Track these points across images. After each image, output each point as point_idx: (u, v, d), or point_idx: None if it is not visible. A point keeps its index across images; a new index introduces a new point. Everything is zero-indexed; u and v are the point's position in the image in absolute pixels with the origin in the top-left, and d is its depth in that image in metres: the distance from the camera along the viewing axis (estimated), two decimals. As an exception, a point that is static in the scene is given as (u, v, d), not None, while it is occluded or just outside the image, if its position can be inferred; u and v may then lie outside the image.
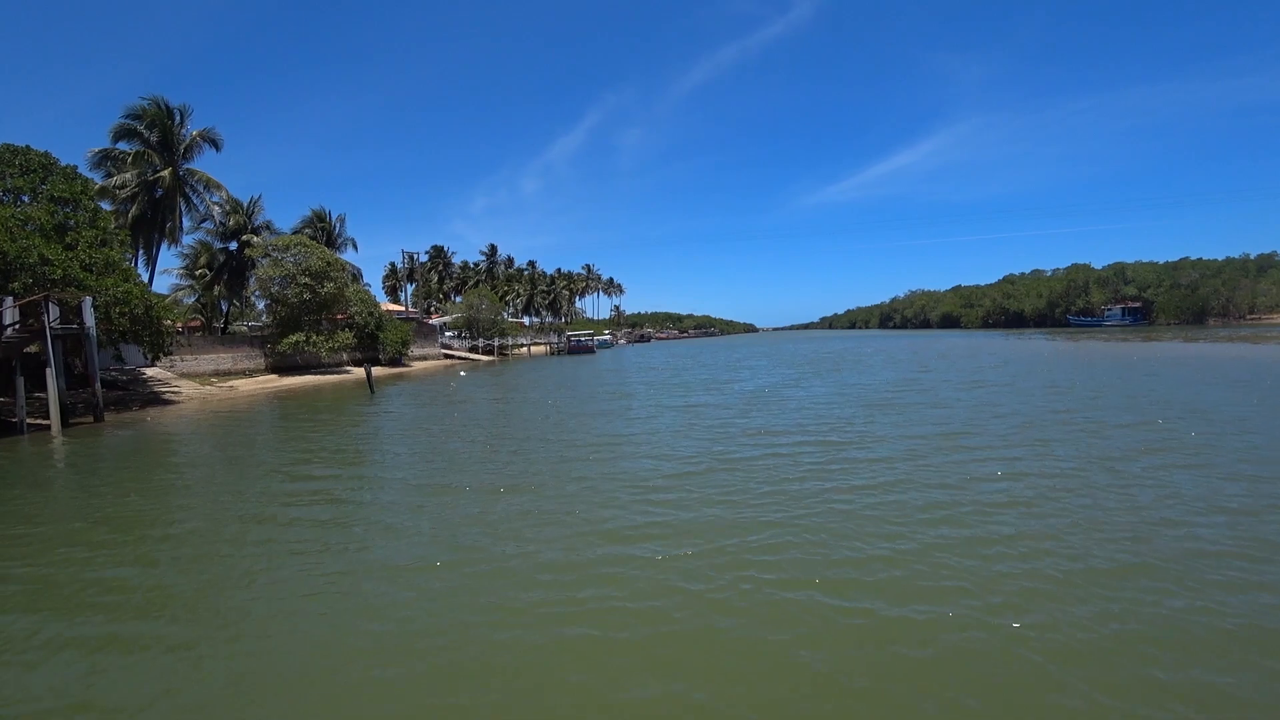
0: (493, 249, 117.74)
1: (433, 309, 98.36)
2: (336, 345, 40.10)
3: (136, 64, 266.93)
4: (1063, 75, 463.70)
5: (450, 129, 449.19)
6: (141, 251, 39.28)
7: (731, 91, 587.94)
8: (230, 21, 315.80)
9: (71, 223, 23.35)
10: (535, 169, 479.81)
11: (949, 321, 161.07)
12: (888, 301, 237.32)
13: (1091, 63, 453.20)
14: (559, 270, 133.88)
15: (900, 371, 30.89)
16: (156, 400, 26.28)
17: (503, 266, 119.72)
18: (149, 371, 31.12)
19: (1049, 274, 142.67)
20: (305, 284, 38.52)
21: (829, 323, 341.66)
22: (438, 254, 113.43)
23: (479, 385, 33.10)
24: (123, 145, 37.69)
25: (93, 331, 19.72)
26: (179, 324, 48.72)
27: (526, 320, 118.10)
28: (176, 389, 29.11)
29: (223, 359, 36.60)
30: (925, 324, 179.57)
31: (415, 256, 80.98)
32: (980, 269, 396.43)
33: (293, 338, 38.08)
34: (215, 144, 39.34)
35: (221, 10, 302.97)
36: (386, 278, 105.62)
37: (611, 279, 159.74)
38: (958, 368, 31.66)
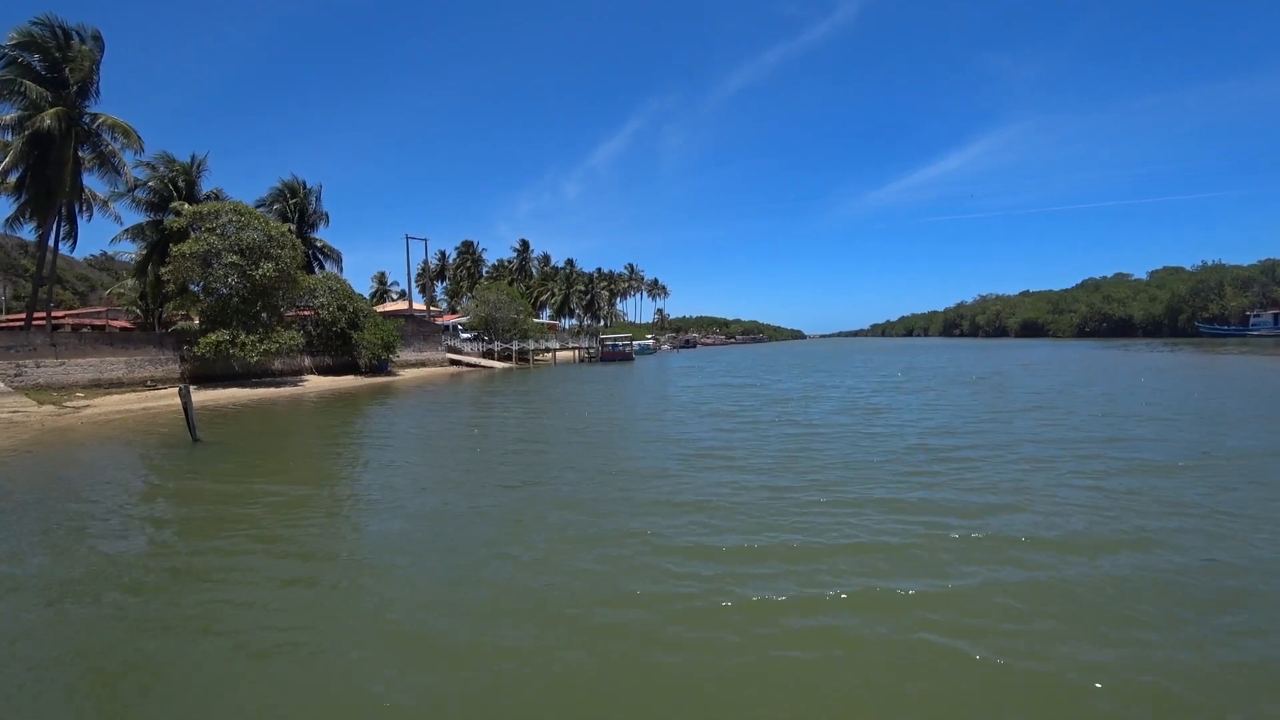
0: (525, 244, 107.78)
1: (459, 308, 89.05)
2: (276, 347, 29.60)
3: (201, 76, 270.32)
4: (1122, 75, 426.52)
5: (495, 134, 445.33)
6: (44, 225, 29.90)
7: (775, 94, 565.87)
8: (276, 27, 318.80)
9: None
10: (579, 173, 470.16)
11: (1031, 329, 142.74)
12: (952, 307, 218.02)
13: (1152, 61, 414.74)
14: (599, 270, 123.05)
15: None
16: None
17: (537, 264, 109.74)
18: (-36, 384, 21.12)
19: (1145, 278, 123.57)
20: (232, 263, 28.11)
21: (881, 330, 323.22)
22: (466, 249, 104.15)
23: (419, 430, 21.95)
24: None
25: None
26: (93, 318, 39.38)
27: (564, 323, 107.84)
28: (-28, 414, 18.89)
29: (112, 365, 26.50)
30: (1001, 332, 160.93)
31: (442, 251, 71.59)
32: (1050, 274, 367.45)
33: (212, 337, 27.66)
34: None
35: (267, 17, 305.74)
36: (419, 276, 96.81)
37: (655, 280, 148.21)
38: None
